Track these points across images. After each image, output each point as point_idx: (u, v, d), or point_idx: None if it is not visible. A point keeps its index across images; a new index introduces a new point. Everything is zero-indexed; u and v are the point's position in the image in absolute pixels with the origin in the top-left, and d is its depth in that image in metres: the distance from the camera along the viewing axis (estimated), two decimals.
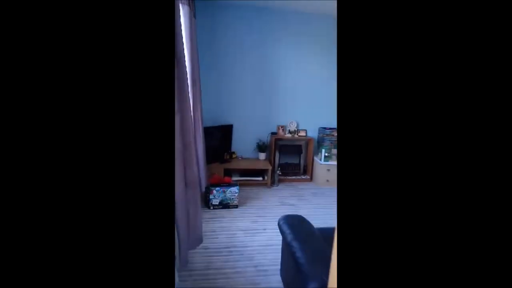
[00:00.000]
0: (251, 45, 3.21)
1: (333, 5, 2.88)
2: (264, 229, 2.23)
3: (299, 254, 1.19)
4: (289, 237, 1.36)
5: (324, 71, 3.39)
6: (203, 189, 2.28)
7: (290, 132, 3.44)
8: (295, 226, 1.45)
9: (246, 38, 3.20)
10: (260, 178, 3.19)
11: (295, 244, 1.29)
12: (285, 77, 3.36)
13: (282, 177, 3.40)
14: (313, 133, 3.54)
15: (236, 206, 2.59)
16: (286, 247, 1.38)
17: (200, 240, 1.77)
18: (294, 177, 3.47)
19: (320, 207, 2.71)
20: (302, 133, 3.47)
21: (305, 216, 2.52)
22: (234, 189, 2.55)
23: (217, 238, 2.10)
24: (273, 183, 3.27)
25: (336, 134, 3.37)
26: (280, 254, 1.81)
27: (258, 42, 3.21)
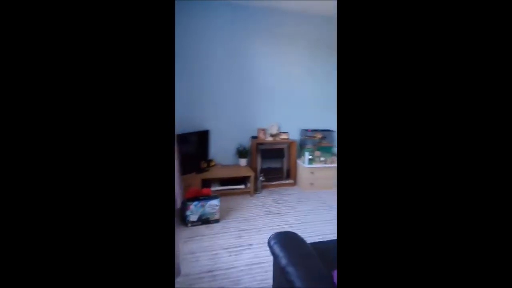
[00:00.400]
0: (227, 45, 2.99)
1: (312, 4, 2.80)
2: (250, 245, 2.01)
3: (298, 284, 1.00)
4: (283, 261, 1.16)
5: (304, 70, 3.29)
6: (179, 205, 1.99)
7: (271, 135, 3.27)
8: (288, 247, 1.25)
9: (221, 38, 2.98)
10: (242, 186, 2.97)
11: (291, 270, 1.09)
12: (264, 78, 3.19)
13: (265, 183, 3.21)
14: (295, 136, 3.42)
15: (217, 221, 2.33)
16: (281, 273, 1.18)
17: (177, 272, 1.49)
18: (277, 182, 3.31)
19: (307, 214, 2.57)
20: (284, 136, 3.32)
21: (292, 226, 2.37)
22: (215, 201, 2.29)
23: (197, 261, 1.83)
24: (256, 190, 3.06)
25: (319, 136, 3.28)
26: (270, 274, 1.60)
27: (235, 42, 3.00)
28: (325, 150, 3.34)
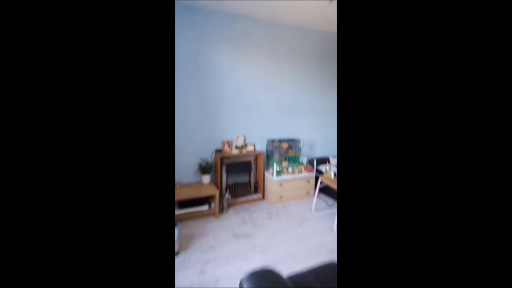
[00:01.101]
0: (184, 51, 2.69)
1: (280, 12, 2.71)
2: (216, 282, 1.70)
3: None
4: None
5: (268, 78, 3.18)
6: None
7: (237, 147, 3.04)
8: None
9: (177, 43, 2.67)
10: (206, 207, 2.64)
11: None
12: (227, 87, 2.97)
13: (231, 201, 2.93)
14: (261, 147, 3.25)
15: (176, 253, 1.96)
16: None
17: None
18: (245, 198, 3.06)
19: (279, 232, 2.37)
20: (250, 148, 3.12)
21: (264, 249, 2.13)
22: None
23: None
24: (221, 210, 2.76)
25: (285, 146, 3.16)
26: None
27: (193, 48, 2.73)
28: (293, 160, 3.24)
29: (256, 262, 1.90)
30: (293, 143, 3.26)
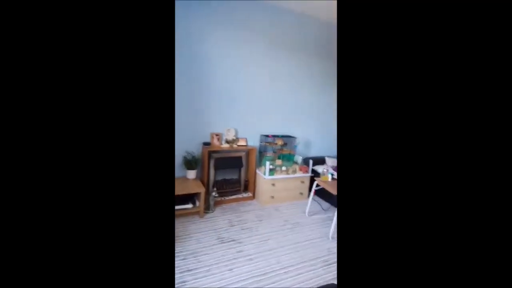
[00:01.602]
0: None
1: None
2: None
3: None
4: None
5: (264, 68, 2.90)
6: None
7: (227, 141, 2.77)
8: None
9: None
10: (190, 205, 2.37)
11: None
12: (220, 77, 2.67)
13: (219, 199, 2.68)
14: (254, 142, 2.99)
15: None
16: None
17: None
18: (233, 196, 2.82)
19: (269, 237, 2.15)
20: (242, 142, 2.86)
21: (252, 258, 1.90)
22: None
23: None
24: (207, 209, 2.51)
25: (280, 143, 2.92)
26: None
27: (184, 36, 2.39)
28: (287, 158, 3.02)
29: (243, 273, 1.67)
30: (288, 140, 3.03)
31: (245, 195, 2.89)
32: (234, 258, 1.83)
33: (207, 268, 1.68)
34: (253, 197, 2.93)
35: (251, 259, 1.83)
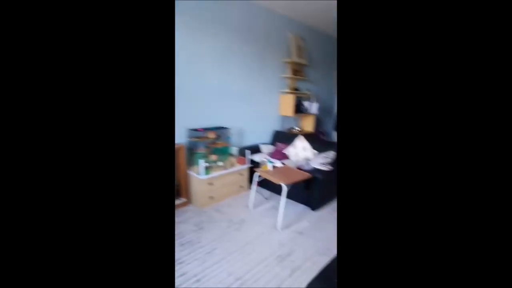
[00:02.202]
0: None
1: None
2: None
3: None
4: None
5: (182, 52, 2.43)
6: None
7: None
8: None
9: None
10: None
11: None
12: None
13: None
14: (180, 139, 2.55)
15: None
16: None
17: None
18: None
19: (214, 247, 1.87)
20: None
21: (200, 278, 1.54)
22: None
23: None
24: None
25: (212, 136, 2.59)
26: None
27: None
28: (222, 151, 2.74)
29: None
30: (221, 132, 2.74)
31: (177, 202, 2.46)
32: (177, 285, 1.46)
33: None
34: (188, 202, 2.53)
35: (198, 280, 1.52)
